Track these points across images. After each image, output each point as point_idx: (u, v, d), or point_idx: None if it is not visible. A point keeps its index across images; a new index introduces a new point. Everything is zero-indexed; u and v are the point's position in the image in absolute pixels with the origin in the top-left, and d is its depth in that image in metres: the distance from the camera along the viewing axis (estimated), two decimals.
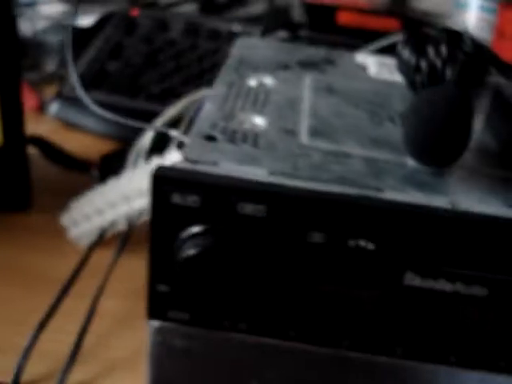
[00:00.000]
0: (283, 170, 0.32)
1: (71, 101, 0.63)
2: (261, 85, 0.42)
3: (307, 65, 0.47)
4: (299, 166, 0.33)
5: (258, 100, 0.40)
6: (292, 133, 0.36)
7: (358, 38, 0.60)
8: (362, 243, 0.30)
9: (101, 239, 0.47)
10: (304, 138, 0.36)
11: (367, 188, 0.31)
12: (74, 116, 0.63)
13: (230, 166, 0.32)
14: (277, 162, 0.33)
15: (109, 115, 0.44)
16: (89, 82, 0.64)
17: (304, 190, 0.30)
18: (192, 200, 0.30)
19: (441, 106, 0.32)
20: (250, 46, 0.50)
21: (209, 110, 0.37)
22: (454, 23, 0.76)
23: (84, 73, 0.65)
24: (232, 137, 0.35)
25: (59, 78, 0.69)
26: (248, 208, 0.30)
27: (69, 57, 0.49)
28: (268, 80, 0.43)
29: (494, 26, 0.74)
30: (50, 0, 0.79)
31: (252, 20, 0.71)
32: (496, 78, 0.43)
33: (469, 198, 0.32)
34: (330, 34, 0.70)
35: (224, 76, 0.43)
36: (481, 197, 0.32)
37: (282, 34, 0.63)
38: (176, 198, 0.30)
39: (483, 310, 0.33)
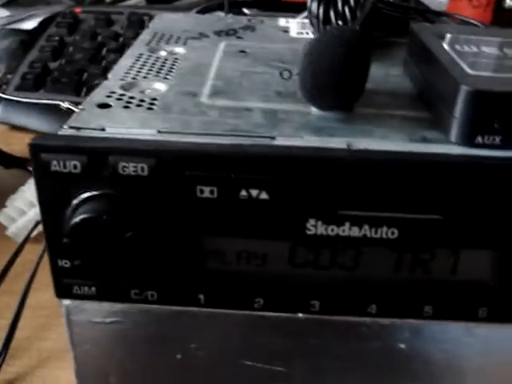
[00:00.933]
0: (173, 129, 0.31)
1: (12, 103, 0.62)
2: (171, 54, 0.41)
3: (225, 33, 0.45)
4: (192, 124, 0.31)
5: (164, 68, 0.39)
6: (192, 94, 0.35)
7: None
8: (254, 193, 0.29)
9: (31, 233, 0.46)
10: (204, 98, 0.34)
11: (259, 137, 0.30)
12: (16, 118, 0.62)
13: (117, 130, 0.30)
14: (169, 122, 0.31)
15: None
16: (32, 82, 0.63)
17: (188, 144, 0.29)
18: (72, 166, 0.29)
19: (332, 50, 0.31)
20: (167, 20, 0.49)
21: (109, 81, 0.36)
22: None
23: (27, 74, 0.64)
24: (128, 103, 0.33)
25: (6, 82, 0.68)
26: (130, 168, 0.29)
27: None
28: (179, 49, 0.42)
29: None
30: None
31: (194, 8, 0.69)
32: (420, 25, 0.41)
33: (371, 137, 0.31)
34: (274, 11, 0.69)
35: (133, 49, 0.42)
36: (384, 135, 0.31)
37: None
38: (56, 166, 0.29)
39: (396, 253, 0.31)
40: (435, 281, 0.32)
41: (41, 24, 0.72)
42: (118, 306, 0.33)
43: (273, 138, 0.30)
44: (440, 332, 0.33)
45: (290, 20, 0.48)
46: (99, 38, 0.69)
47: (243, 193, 0.29)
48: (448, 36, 0.36)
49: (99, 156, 0.29)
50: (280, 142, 0.30)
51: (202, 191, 0.29)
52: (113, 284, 0.32)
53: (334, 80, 0.30)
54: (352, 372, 0.35)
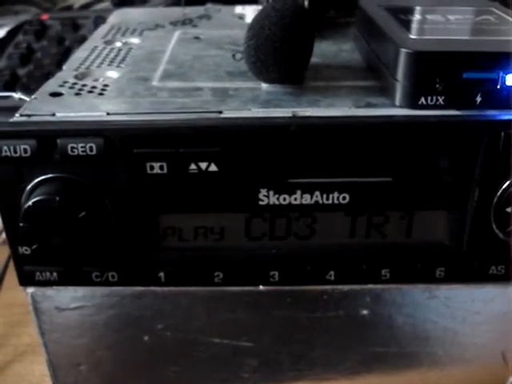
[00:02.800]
0: (122, 110, 0.31)
1: None
2: (125, 44, 0.41)
3: (181, 22, 0.46)
4: (142, 105, 0.32)
5: (118, 57, 0.39)
6: (144, 79, 0.35)
7: None
8: (203, 166, 0.29)
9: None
10: (155, 81, 0.35)
11: (206, 113, 0.30)
12: None
13: (66, 114, 0.31)
14: (119, 105, 0.32)
15: None
16: (1, 89, 0.63)
17: (134, 122, 0.30)
18: (23, 150, 0.29)
19: (271, 22, 0.31)
20: (125, 14, 0.49)
21: (63, 72, 0.37)
22: None
23: None
24: (79, 91, 0.34)
25: None
26: (79, 149, 0.29)
27: None
28: (134, 40, 0.42)
29: None
30: None
31: None
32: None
33: (317, 106, 0.31)
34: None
35: (89, 43, 0.42)
36: (331, 103, 0.31)
37: None
38: (6, 151, 0.29)
39: (350, 218, 0.32)
40: (391, 244, 0.32)
41: (9, 33, 0.73)
42: (81, 290, 0.33)
43: (220, 112, 0.30)
44: (401, 296, 0.33)
45: (247, 7, 0.49)
46: (66, 43, 0.69)
47: (192, 166, 0.29)
48: (392, 6, 0.36)
49: (48, 139, 0.29)
50: (227, 115, 0.30)
51: (151, 167, 0.29)
52: (73, 268, 0.32)
53: (275, 52, 0.31)
54: (318, 342, 0.35)
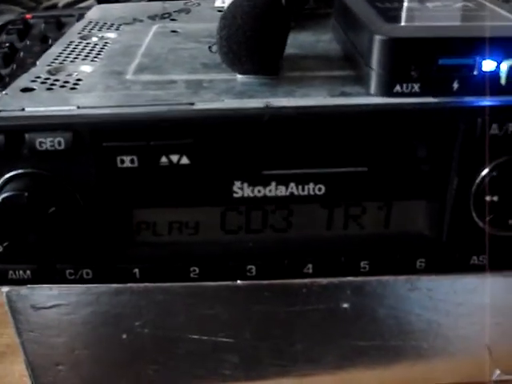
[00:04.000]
0: (93, 104, 0.30)
1: None
2: (102, 39, 0.41)
3: (159, 17, 0.45)
4: (113, 98, 0.31)
5: (93, 52, 0.38)
6: (118, 73, 0.35)
7: None
8: (175, 159, 0.29)
9: None
10: (129, 75, 0.34)
11: (178, 105, 0.30)
12: None
13: (36, 109, 0.30)
14: (91, 99, 0.31)
15: None
16: None
17: (104, 115, 0.29)
18: None
19: (243, 12, 0.31)
20: (103, 10, 0.48)
21: (36, 68, 0.36)
22: None
23: None
24: (51, 85, 0.33)
25: None
26: (47, 143, 0.28)
27: None
28: (111, 34, 0.42)
29: None
30: None
31: None
32: None
33: (291, 96, 0.30)
34: None
35: (64, 38, 0.41)
36: (305, 93, 0.31)
37: None
38: None
39: (327, 209, 0.31)
40: (369, 235, 0.31)
41: None
42: (57, 289, 0.32)
43: (192, 103, 0.30)
44: (382, 288, 0.33)
45: (226, 0, 0.48)
46: (50, 41, 0.69)
47: (164, 159, 0.29)
48: None
49: (16, 134, 0.28)
50: (199, 106, 0.29)
51: (122, 161, 0.29)
52: (46, 265, 0.31)
53: (247, 42, 0.30)
54: (299, 336, 0.34)
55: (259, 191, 0.30)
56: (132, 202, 0.30)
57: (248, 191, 0.30)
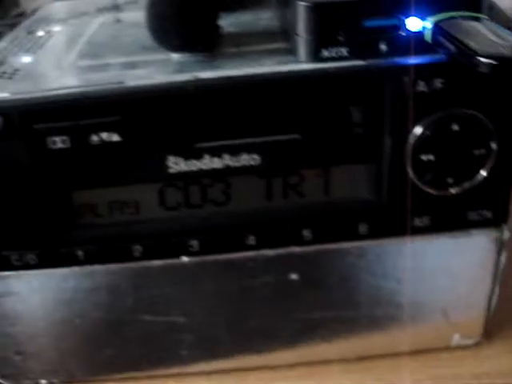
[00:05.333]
0: (25, 90, 0.30)
1: None
2: (47, 33, 0.41)
3: (107, 9, 0.45)
4: (48, 84, 0.31)
5: (37, 44, 0.39)
6: (56, 61, 0.35)
7: None
8: (105, 136, 0.29)
9: None
10: (67, 62, 0.34)
11: (108, 84, 0.30)
12: None
13: None
14: (26, 86, 0.31)
15: None
16: None
17: (32, 98, 0.29)
18: None
19: None
20: (54, 7, 0.49)
21: None
22: None
23: None
24: None
25: None
26: None
27: None
28: (57, 28, 0.42)
29: None
30: None
31: None
32: None
33: (221, 69, 0.30)
34: None
35: (11, 34, 0.42)
36: (235, 66, 0.31)
37: None
38: None
39: (265, 179, 0.31)
40: (309, 204, 0.31)
41: None
42: (3, 276, 0.32)
43: (122, 82, 0.30)
44: (328, 257, 0.33)
45: None
46: None
47: (94, 138, 0.29)
48: None
49: None
50: (127, 84, 0.30)
51: (54, 142, 0.29)
52: None
53: (173, 17, 0.30)
54: (251, 312, 0.34)
55: (194, 165, 0.30)
56: (69, 184, 0.30)
57: (183, 166, 0.30)
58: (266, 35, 0.36)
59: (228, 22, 0.37)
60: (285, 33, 0.34)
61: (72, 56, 0.35)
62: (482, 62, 0.24)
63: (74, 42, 0.38)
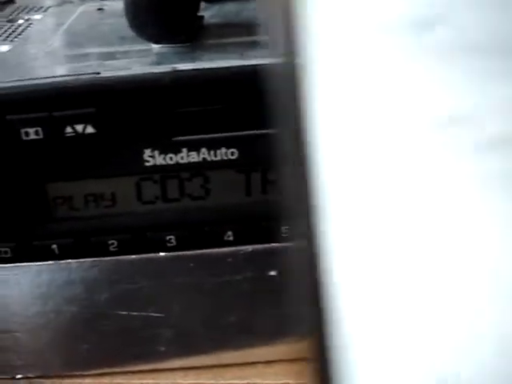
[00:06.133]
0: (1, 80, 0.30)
1: None
2: (27, 21, 0.40)
3: None
4: (22, 73, 0.30)
5: (15, 33, 0.38)
6: (34, 50, 0.34)
7: None
8: (80, 128, 0.28)
9: None
10: (43, 51, 0.34)
11: (83, 75, 0.29)
12: None
13: None
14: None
15: None
16: None
17: (4, 89, 0.29)
18: None
19: None
20: None
21: None
22: None
23: None
24: None
25: None
26: None
27: None
28: (37, 16, 0.41)
29: None
30: None
31: None
32: None
33: (201, 61, 0.30)
34: None
35: None
36: (212, 58, 0.30)
37: None
38: None
39: (244, 174, 0.30)
40: None
41: None
42: None
43: (98, 73, 0.29)
44: None
45: None
46: None
47: (68, 129, 0.28)
48: None
49: None
50: (103, 75, 0.29)
51: (27, 134, 0.28)
52: None
53: (151, 5, 0.30)
54: (230, 308, 0.34)
55: (171, 158, 0.29)
56: (44, 177, 0.30)
57: (160, 159, 0.29)
58: (247, 27, 0.35)
59: (210, 13, 0.37)
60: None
61: (49, 45, 0.35)
62: None
63: (53, 30, 0.37)
